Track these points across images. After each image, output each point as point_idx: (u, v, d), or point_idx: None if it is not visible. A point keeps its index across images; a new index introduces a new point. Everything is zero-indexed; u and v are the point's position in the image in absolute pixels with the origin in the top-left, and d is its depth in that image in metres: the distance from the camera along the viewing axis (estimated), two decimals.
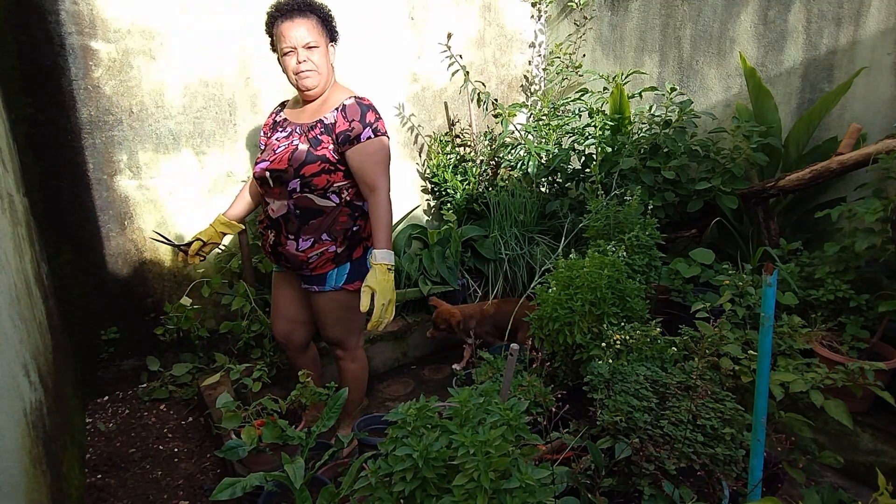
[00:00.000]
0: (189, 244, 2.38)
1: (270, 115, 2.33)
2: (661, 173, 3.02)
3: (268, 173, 2.10)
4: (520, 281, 3.33)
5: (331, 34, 2.18)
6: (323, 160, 2.07)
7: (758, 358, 1.48)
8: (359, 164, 2.08)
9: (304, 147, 2.08)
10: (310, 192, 2.10)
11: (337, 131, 2.07)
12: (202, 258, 2.41)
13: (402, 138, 3.67)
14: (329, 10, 2.18)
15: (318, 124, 2.10)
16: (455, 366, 3.16)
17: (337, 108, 2.10)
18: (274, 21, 2.11)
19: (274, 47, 2.18)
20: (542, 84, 4.21)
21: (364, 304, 1.97)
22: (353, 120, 2.07)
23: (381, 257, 2.01)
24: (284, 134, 2.17)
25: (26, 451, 1.56)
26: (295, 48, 2.07)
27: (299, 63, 2.08)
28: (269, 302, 2.80)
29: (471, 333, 3.04)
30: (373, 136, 2.08)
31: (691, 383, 1.79)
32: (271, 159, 2.11)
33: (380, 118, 2.13)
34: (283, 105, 2.35)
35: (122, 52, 2.70)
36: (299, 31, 2.07)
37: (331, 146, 2.08)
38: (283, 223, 2.15)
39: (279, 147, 2.13)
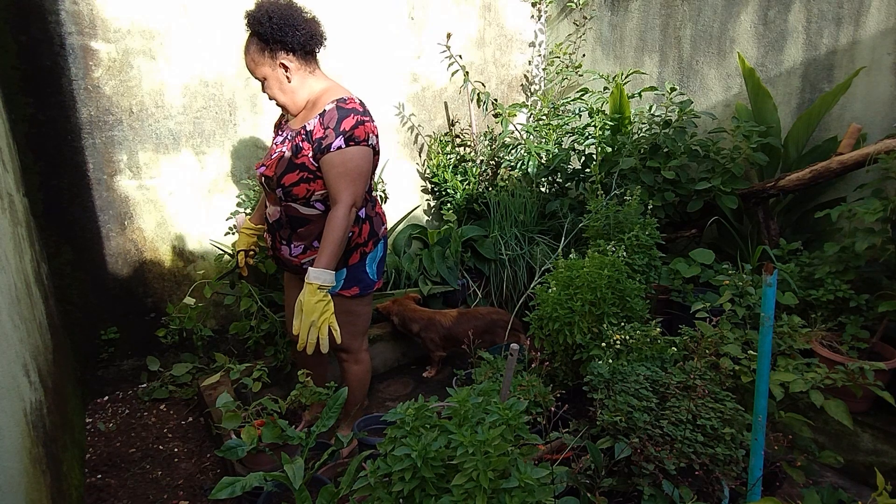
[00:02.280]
0: (237, 262, 2.48)
1: (280, 115, 2.31)
2: (661, 173, 3.02)
3: (263, 179, 2.10)
4: (520, 281, 3.33)
5: (283, 46, 1.98)
6: (302, 168, 2.01)
7: (758, 358, 1.48)
8: (325, 175, 1.99)
9: (288, 155, 2.03)
10: (293, 202, 2.06)
11: (314, 138, 1.99)
12: (252, 262, 2.51)
13: (402, 138, 3.67)
14: (274, 21, 1.95)
15: (302, 130, 2.04)
16: (424, 373, 3.17)
17: (319, 114, 2.01)
18: None
19: None
20: (542, 84, 4.21)
21: (295, 327, 1.94)
22: (328, 127, 1.97)
23: (315, 276, 1.91)
24: (281, 139, 2.14)
25: (26, 451, 1.56)
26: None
27: (262, 91, 2.10)
28: (276, 301, 2.82)
29: (418, 336, 3.06)
30: (343, 145, 1.95)
31: (691, 383, 1.79)
32: (267, 164, 2.09)
33: (361, 124, 1.98)
34: None
35: (122, 52, 2.70)
36: (246, 60, 2.05)
37: (310, 154, 2.00)
38: (276, 228, 2.16)
39: (274, 152, 2.10)
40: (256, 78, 2.06)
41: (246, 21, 2.00)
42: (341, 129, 1.96)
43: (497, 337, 2.94)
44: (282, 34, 1.96)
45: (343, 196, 1.96)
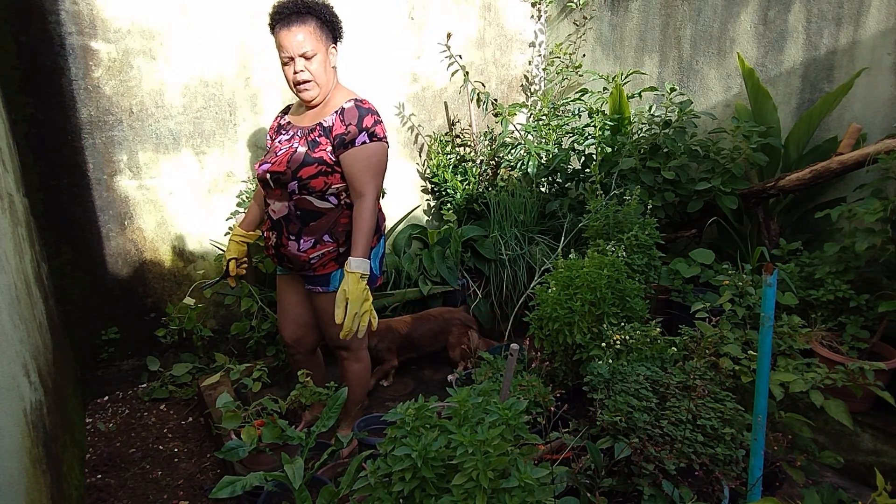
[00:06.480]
0: (227, 271, 2.41)
1: (276, 118, 2.34)
2: (660, 173, 3.02)
3: (268, 175, 2.11)
4: (520, 281, 3.33)
5: (333, 35, 2.14)
6: (320, 162, 2.07)
7: (758, 358, 1.48)
8: (349, 169, 2.07)
9: (302, 150, 2.08)
10: (308, 195, 2.10)
11: (334, 134, 2.07)
12: (244, 272, 2.45)
13: (402, 138, 3.67)
14: (331, 10, 2.13)
15: (318, 127, 2.11)
16: (384, 382, 3.03)
17: (336, 111, 2.09)
18: (273, 26, 2.10)
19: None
20: (542, 84, 4.21)
21: (339, 316, 1.97)
22: (350, 124, 2.06)
23: (356, 266, 1.99)
24: (287, 137, 2.18)
25: (26, 451, 1.56)
26: (292, 58, 2.05)
27: (296, 73, 2.06)
28: (276, 301, 2.81)
29: (375, 348, 2.90)
30: (368, 141, 2.06)
31: (691, 383, 1.79)
32: (272, 161, 2.12)
33: (379, 122, 2.11)
34: (287, 108, 2.37)
35: (122, 52, 2.70)
36: (296, 38, 2.03)
37: (328, 148, 2.08)
38: (284, 224, 2.16)
39: (280, 150, 2.14)
40: (302, 51, 2.03)
41: (300, 7, 2.04)
42: (364, 126, 2.07)
43: (451, 336, 2.99)
44: (335, 23, 2.14)
45: (368, 189, 2.07)
